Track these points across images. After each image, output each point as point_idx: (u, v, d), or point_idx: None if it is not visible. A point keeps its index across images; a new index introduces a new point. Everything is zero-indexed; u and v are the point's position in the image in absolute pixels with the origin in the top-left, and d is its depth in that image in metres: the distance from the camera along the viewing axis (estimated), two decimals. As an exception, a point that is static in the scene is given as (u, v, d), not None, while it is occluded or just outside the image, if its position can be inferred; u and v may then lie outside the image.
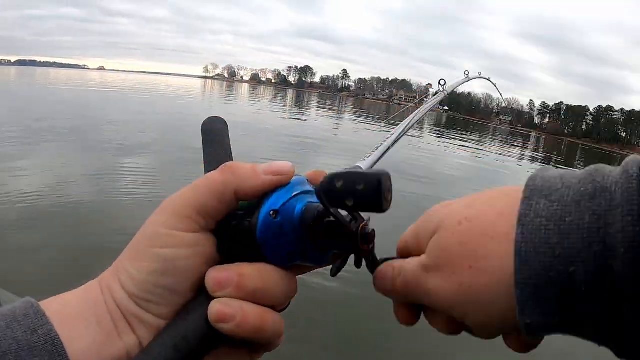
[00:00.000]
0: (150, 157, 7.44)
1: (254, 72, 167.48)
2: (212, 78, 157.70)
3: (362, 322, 3.10)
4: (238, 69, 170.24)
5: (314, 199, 0.32)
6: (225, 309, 0.28)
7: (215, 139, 0.78)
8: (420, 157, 12.74)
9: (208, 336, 0.29)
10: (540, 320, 0.26)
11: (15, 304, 0.28)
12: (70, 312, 0.28)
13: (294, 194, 0.31)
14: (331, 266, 0.34)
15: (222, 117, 0.82)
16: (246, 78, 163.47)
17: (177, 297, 0.29)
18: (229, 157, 0.77)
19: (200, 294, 0.30)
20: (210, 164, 0.75)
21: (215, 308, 0.28)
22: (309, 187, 0.33)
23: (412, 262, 0.32)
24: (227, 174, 0.31)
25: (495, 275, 0.27)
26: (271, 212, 0.30)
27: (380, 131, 22.16)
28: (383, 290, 0.34)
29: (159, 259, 0.29)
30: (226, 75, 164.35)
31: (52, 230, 4.07)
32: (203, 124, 0.81)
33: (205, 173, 0.76)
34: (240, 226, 0.30)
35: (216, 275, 0.29)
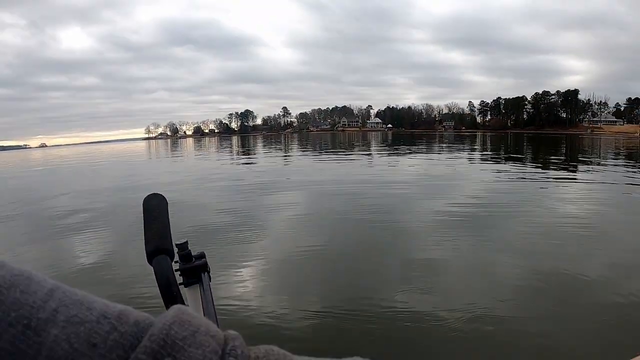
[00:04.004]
0: (103, 234, 7.12)
1: (196, 124, 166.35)
2: (155, 138, 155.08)
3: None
4: (180, 125, 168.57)
5: None
6: None
7: (154, 215, 0.77)
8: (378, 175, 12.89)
9: None
10: None
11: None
12: None
13: None
14: None
15: (161, 194, 0.82)
16: (189, 132, 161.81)
17: None
18: (168, 232, 0.77)
19: None
20: (150, 239, 0.75)
21: None
22: None
23: None
24: None
25: None
26: None
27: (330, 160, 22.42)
28: None
29: None
30: (169, 132, 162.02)
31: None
32: (144, 201, 0.80)
33: (146, 248, 0.74)
34: None
35: None
